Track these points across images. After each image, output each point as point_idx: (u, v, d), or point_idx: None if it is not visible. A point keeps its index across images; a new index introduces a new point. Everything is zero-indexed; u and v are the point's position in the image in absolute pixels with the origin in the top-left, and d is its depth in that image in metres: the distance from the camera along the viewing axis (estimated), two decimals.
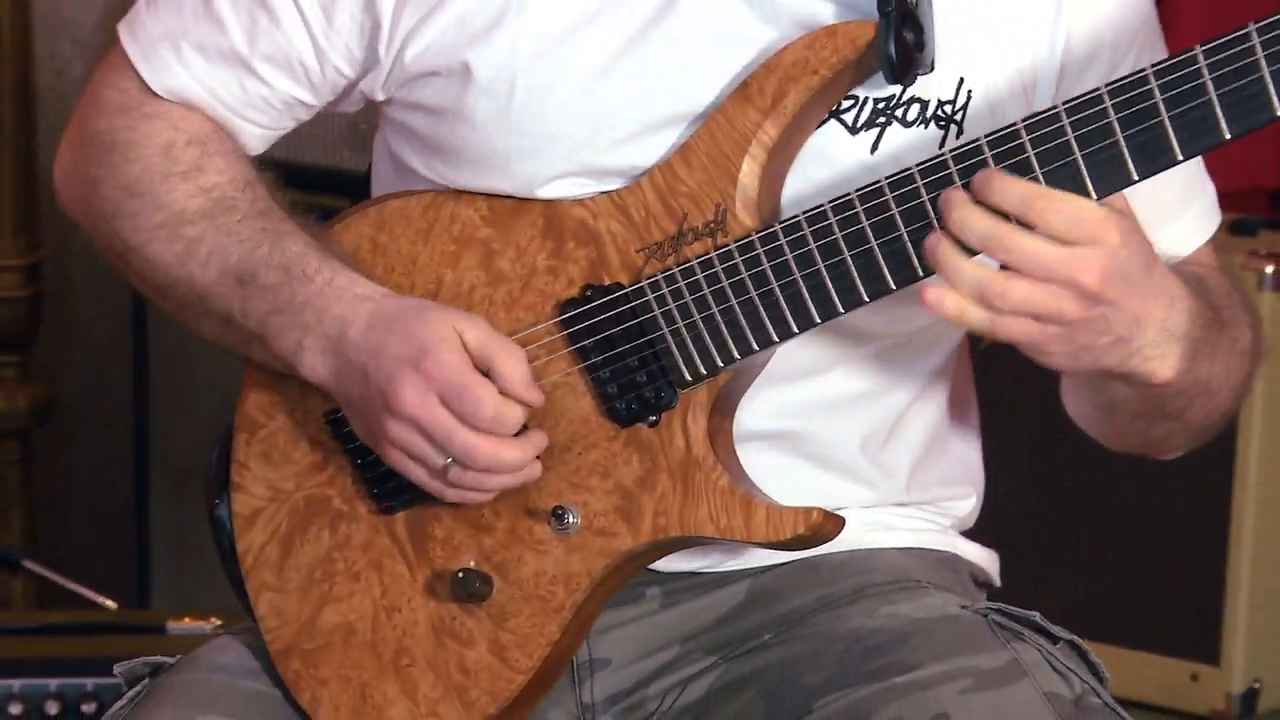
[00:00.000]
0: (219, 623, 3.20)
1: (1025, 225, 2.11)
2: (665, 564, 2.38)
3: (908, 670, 2.27)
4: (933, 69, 2.26)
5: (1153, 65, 2.11)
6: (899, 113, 2.31)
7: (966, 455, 2.50)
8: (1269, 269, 3.31)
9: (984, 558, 2.51)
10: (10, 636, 3.29)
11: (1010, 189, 2.11)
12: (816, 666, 2.32)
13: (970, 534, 2.52)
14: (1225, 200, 3.52)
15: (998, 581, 2.53)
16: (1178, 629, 3.39)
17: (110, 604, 3.48)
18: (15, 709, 3.20)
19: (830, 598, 2.38)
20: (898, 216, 2.19)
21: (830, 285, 2.22)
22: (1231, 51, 2.10)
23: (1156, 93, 2.11)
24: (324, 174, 2.84)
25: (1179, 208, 2.37)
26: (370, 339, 2.28)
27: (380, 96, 2.40)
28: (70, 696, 3.23)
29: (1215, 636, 3.38)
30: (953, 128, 2.30)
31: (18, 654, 3.25)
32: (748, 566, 2.40)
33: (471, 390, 2.24)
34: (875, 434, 2.41)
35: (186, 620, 3.27)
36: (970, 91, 2.31)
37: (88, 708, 3.21)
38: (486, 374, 2.25)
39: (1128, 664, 2.48)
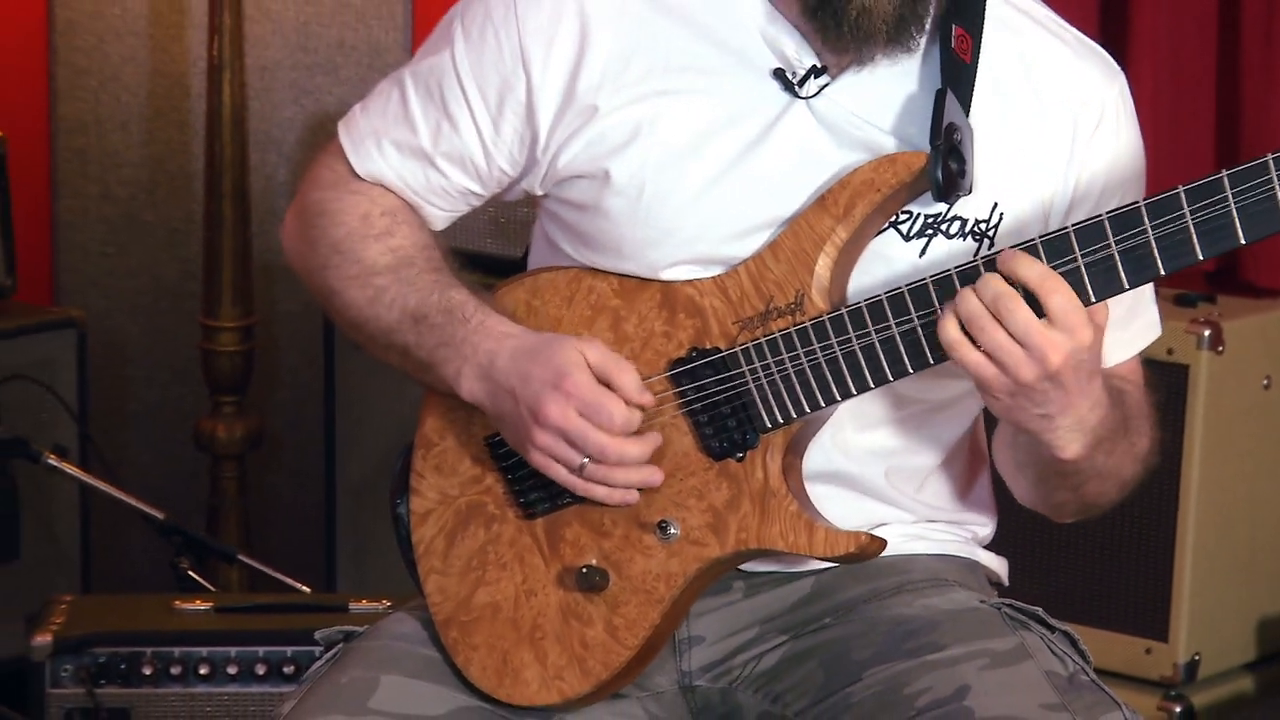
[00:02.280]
0: (389, 604, 3.19)
1: (1031, 302, 2.12)
2: (746, 565, 2.35)
3: (937, 650, 2.26)
4: (971, 192, 2.24)
5: (1144, 199, 2.11)
6: (943, 227, 2.28)
7: (983, 494, 2.46)
8: (1206, 332, 3.31)
9: (996, 563, 2.47)
10: (229, 614, 3.29)
11: (1031, 266, 2.11)
12: (865, 645, 2.30)
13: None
14: (1171, 279, 3.51)
15: (1006, 582, 2.52)
16: (1135, 613, 3.37)
17: (305, 589, 3.46)
18: (232, 670, 3.20)
19: (877, 591, 2.35)
20: (939, 305, 2.18)
21: (882, 358, 2.21)
22: (1210, 195, 2.10)
23: (1146, 220, 2.11)
24: (469, 257, 2.85)
25: (1124, 322, 2.31)
26: (516, 366, 2.25)
27: (538, 192, 2.37)
28: (274, 661, 3.21)
29: (1165, 619, 3.35)
30: (985, 241, 2.27)
31: (235, 627, 3.23)
32: (812, 567, 2.36)
33: (603, 403, 2.22)
34: (913, 477, 2.39)
35: (364, 602, 3.26)
36: (1002, 214, 2.28)
37: (288, 669, 3.18)
38: (606, 385, 2.25)
39: (1096, 640, 2.45)
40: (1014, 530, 2.52)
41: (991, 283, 2.12)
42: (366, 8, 4.07)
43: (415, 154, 2.39)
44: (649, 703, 2.37)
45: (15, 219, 3.77)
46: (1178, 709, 3.30)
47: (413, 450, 2.40)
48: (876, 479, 2.36)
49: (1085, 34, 2.41)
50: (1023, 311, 2.11)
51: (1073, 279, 2.13)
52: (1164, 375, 3.29)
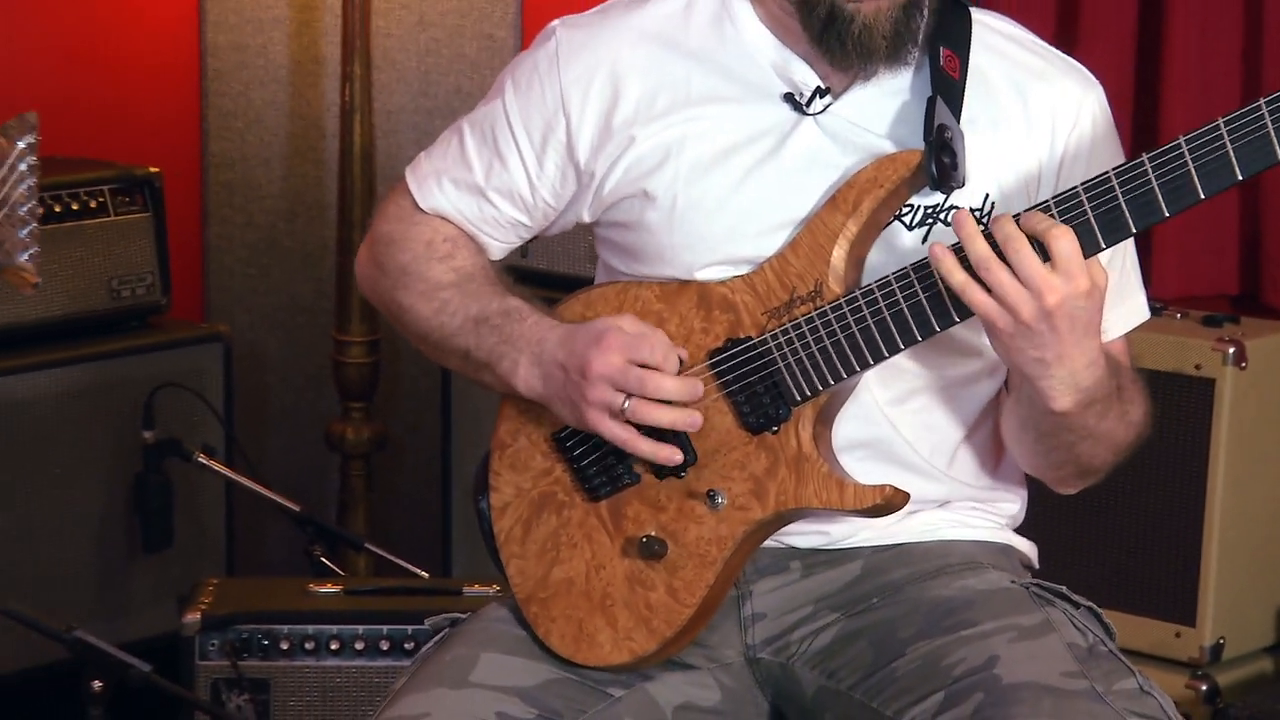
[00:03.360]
0: (498, 588, 3.21)
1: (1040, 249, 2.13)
2: (801, 540, 2.37)
3: (971, 625, 2.27)
4: (964, 185, 2.26)
5: (1147, 153, 2.12)
6: (942, 216, 2.30)
7: (1011, 470, 2.44)
8: (1230, 350, 3.29)
9: (1027, 547, 2.47)
10: (357, 596, 3.30)
11: (1041, 219, 2.12)
12: (908, 624, 2.31)
13: (1018, 529, 2.52)
14: (1199, 302, 3.51)
15: (1037, 564, 2.51)
16: (1166, 601, 3.35)
17: (423, 574, 3.48)
18: (359, 645, 3.21)
19: (920, 574, 2.36)
20: (939, 282, 2.19)
21: (894, 330, 2.22)
22: (1208, 137, 2.09)
23: (1149, 168, 2.11)
24: (572, 280, 2.86)
25: (1114, 303, 2.30)
26: (561, 346, 2.28)
27: (588, 219, 2.40)
28: (396, 638, 3.23)
29: (1192, 606, 3.33)
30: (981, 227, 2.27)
31: (361, 608, 3.24)
32: (861, 546, 2.37)
33: (639, 343, 2.25)
34: (941, 448, 2.40)
35: (476, 586, 3.27)
36: (994, 203, 2.31)
37: (408, 645, 3.20)
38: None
39: (1130, 625, 2.46)
40: (1061, 528, 2.52)
41: (1005, 225, 2.12)
42: (479, 59, 4.09)
43: (470, 189, 2.41)
44: (719, 673, 2.38)
45: (170, 244, 3.78)
46: (1204, 687, 3.28)
47: (489, 453, 2.42)
48: (906, 447, 2.36)
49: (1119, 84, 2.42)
50: (1027, 252, 2.11)
51: (1083, 230, 2.12)
52: (1192, 388, 3.28)
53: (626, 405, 2.24)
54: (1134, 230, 2.13)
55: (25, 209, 2.03)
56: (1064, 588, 2.35)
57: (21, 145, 2.04)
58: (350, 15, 3.84)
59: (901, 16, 2.25)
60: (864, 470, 2.30)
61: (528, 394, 2.33)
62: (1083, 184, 2.14)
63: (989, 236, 2.14)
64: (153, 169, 3.76)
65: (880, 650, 2.31)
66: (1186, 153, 2.09)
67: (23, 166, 2.04)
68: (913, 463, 2.37)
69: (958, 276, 2.15)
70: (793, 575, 2.39)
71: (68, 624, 3.02)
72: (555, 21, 2.41)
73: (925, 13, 2.29)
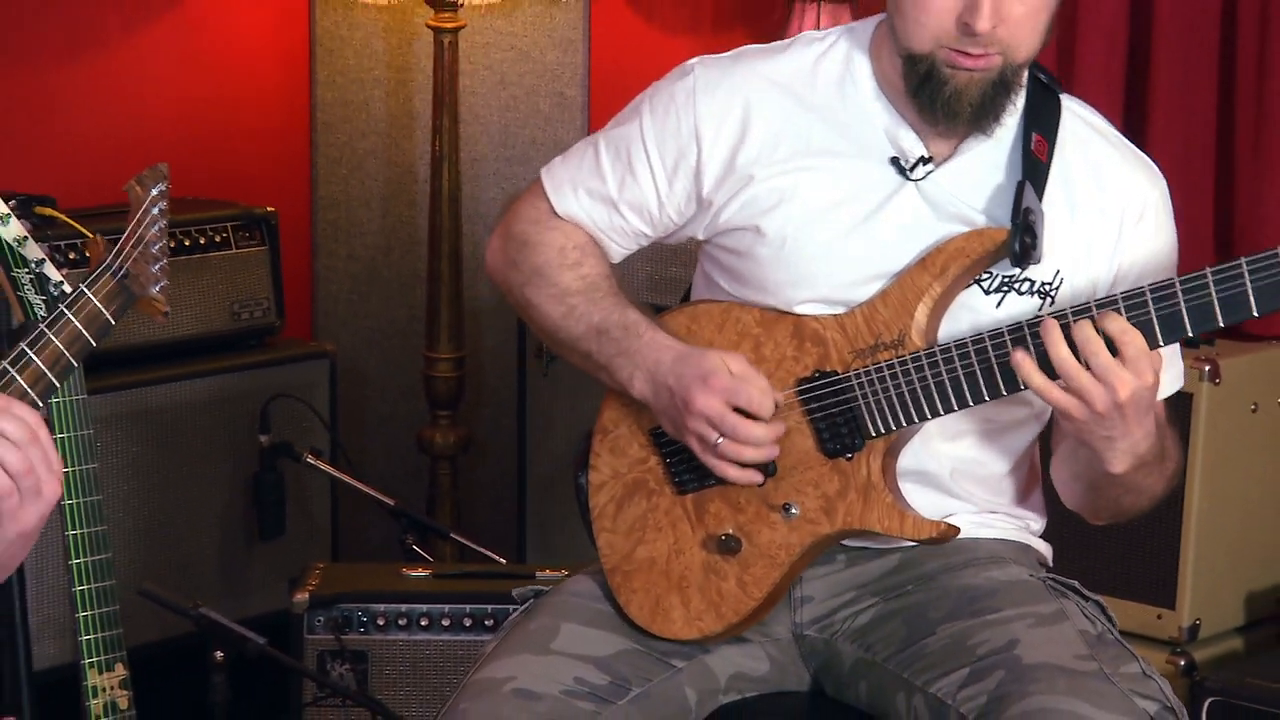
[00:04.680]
0: (566, 571, 3.20)
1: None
2: (847, 541, 2.36)
3: (995, 611, 2.27)
4: (1040, 262, 2.25)
5: (1210, 267, 2.11)
6: (1016, 285, 2.29)
7: (1037, 500, 2.46)
8: (1207, 368, 3.27)
9: (1044, 547, 2.47)
10: (444, 579, 3.29)
11: (1116, 320, 2.12)
12: (939, 607, 2.31)
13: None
14: None
15: (1051, 563, 2.49)
16: (1150, 587, 3.33)
17: (501, 560, 3.48)
18: (445, 622, 3.20)
19: (950, 565, 2.36)
20: (1011, 348, 2.18)
21: (965, 387, 2.21)
22: (1229, 272, 2.09)
23: (1210, 282, 2.11)
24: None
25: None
26: (674, 369, 2.26)
27: (701, 237, 2.39)
28: (478, 616, 3.21)
29: (1172, 592, 3.30)
30: (1048, 299, 2.29)
31: (448, 589, 3.23)
32: (899, 545, 2.37)
33: (740, 388, 2.23)
34: (983, 482, 2.39)
35: (547, 570, 3.24)
36: (1062, 279, 2.29)
37: (488, 622, 3.17)
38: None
39: (1118, 607, 2.43)
40: (1056, 522, 2.49)
41: (1084, 329, 2.12)
42: (552, 114, 4.09)
43: (603, 200, 2.38)
44: (769, 646, 2.39)
45: (283, 274, 3.79)
46: (1182, 663, 3.26)
47: (592, 436, 2.40)
48: (953, 480, 2.36)
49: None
50: (1105, 354, 2.11)
51: (1146, 328, 2.12)
52: (1173, 401, 3.24)
53: (719, 442, 2.23)
54: (1190, 334, 2.13)
55: (157, 247, 2.04)
56: (1076, 583, 2.35)
57: (154, 192, 2.05)
58: (440, 76, 3.84)
59: (990, 91, 2.22)
60: (910, 495, 2.30)
61: (638, 399, 2.32)
62: (1150, 285, 2.13)
63: (1065, 328, 2.13)
64: (269, 209, 3.77)
65: (913, 629, 2.30)
66: (1246, 273, 2.08)
67: (155, 211, 2.04)
68: (955, 493, 2.37)
69: (1037, 380, 2.14)
70: (838, 566, 2.39)
71: (195, 602, 3.03)
72: (694, 60, 2.37)
73: (1016, 93, 2.26)
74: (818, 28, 3.63)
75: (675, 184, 2.35)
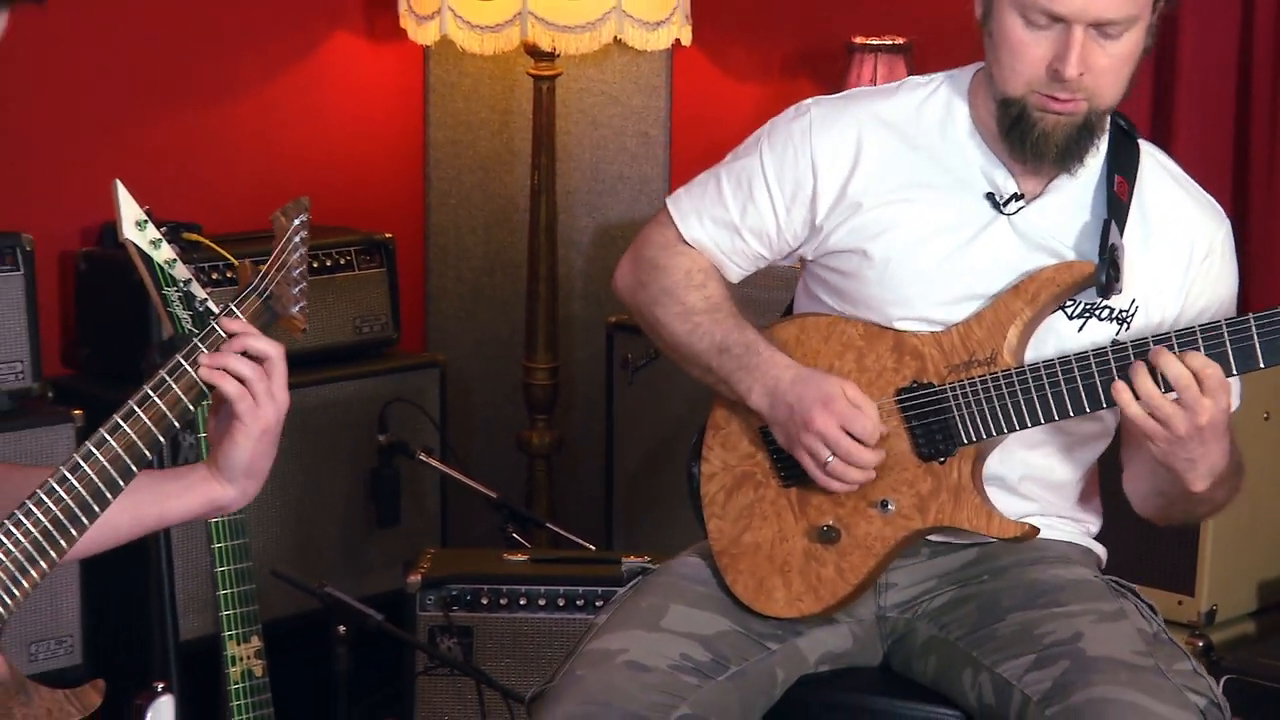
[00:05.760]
0: (649, 558, 3.19)
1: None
2: (932, 536, 2.35)
3: (1061, 605, 2.27)
4: (1120, 292, 2.25)
5: (1252, 314, 2.14)
6: (1098, 312, 2.28)
7: (1095, 504, 2.46)
8: None
9: (1101, 551, 2.46)
10: (540, 563, 3.28)
11: (1198, 356, 2.13)
12: (1010, 597, 2.31)
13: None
14: None
15: (1105, 564, 2.46)
16: (1173, 575, 3.29)
17: (591, 547, 3.47)
18: (541, 601, 3.20)
19: (1022, 560, 2.35)
20: (1095, 371, 2.19)
21: (1051, 403, 2.21)
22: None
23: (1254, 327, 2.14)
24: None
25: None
26: (794, 389, 2.26)
27: (810, 257, 2.38)
28: (570, 597, 3.21)
29: (1192, 580, 3.27)
30: (1124, 325, 2.28)
31: (544, 572, 3.23)
32: (978, 541, 2.36)
33: (857, 416, 2.23)
34: (1051, 488, 2.39)
35: (631, 557, 3.24)
36: (1138, 308, 2.29)
37: (579, 602, 3.18)
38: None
39: (1144, 594, 2.42)
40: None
41: (1172, 366, 2.12)
42: (638, 152, 4.09)
43: (726, 226, 2.38)
44: (854, 626, 2.38)
45: (400, 293, 3.79)
46: (1200, 644, 3.23)
47: (705, 430, 2.39)
48: (1020, 484, 2.35)
49: None
50: (1194, 389, 2.12)
51: (1220, 358, 2.13)
52: None
53: (829, 461, 2.23)
54: (1262, 365, 2.13)
55: (297, 272, 2.06)
56: (1135, 586, 2.35)
57: (296, 222, 2.07)
58: (539, 118, 3.85)
59: (1074, 134, 2.22)
60: (993, 494, 2.29)
61: (754, 410, 2.31)
62: (1226, 320, 2.15)
63: (1147, 361, 2.13)
64: (388, 235, 3.78)
65: (984, 613, 2.29)
66: None
67: (296, 239, 2.06)
68: (1022, 494, 2.36)
69: (1133, 409, 2.14)
70: (921, 558, 2.38)
71: (320, 582, 3.06)
72: (809, 100, 2.37)
73: (1099, 137, 2.26)
74: (875, 77, 3.62)
75: (793, 211, 2.34)
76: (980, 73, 2.30)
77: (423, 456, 3.59)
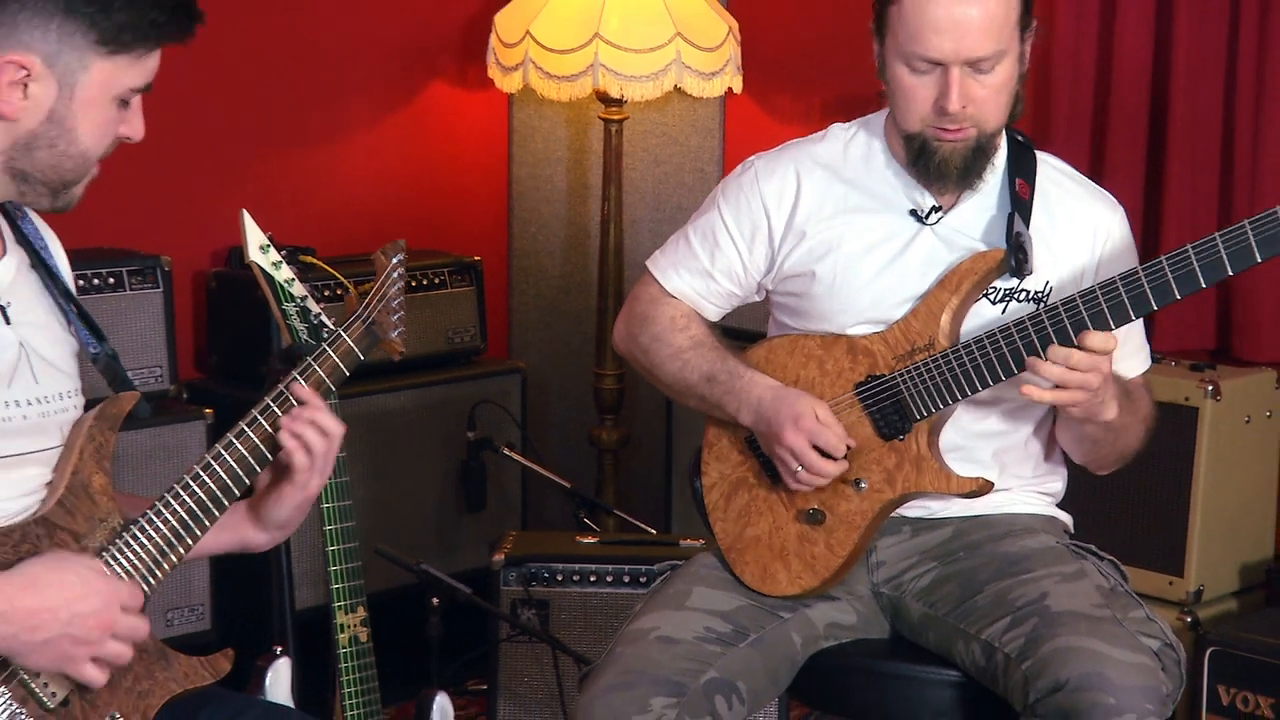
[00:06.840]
0: (702, 541, 3.21)
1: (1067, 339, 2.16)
2: (912, 512, 2.36)
3: (1029, 572, 2.28)
4: (1032, 274, 2.28)
5: (1140, 266, 2.15)
6: (1017, 296, 2.31)
7: (1056, 458, 2.44)
8: (1210, 386, 3.23)
9: (1067, 518, 2.47)
10: (609, 545, 3.28)
11: (1095, 335, 2.16)
12: (985, 570, 2.32)
13: (1061, 505, 2.48)
14: (1188, 354, 3.43)
15: (1073, 530, 2.48)
16: (1164, 558, 3.29)
17: (653, 531, 3.49)
18: (609, 579, 3.20)
19: (994, 536, 2.36)
20: (1017, 340, 2.20)
21: (984, 372, 2.23)
22: (1153, 269, 2.14)
23: (1143, 276, 2.15)
24: (746, 333, 2.88)
25: (1133, 353, 2.37)
26: (773, 405, 2.29)
27: (770, 287, 2.41)
28: (634, 575, 3.20)
29: (1181, 562, 3.27)
30: (1040, 303, 2.30)
31: (612, 553, 3.23)
32: (952, 516, 2.37)
33: (824, 432, 2.26)
34: (1007, 450, 2.39)
35: (688, 540, 3.26)
36: (1051, 288, 2.31)
37: (642, 579, 3.17)
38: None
39: (1137, 575, 2.42)
40: (1092, 506, 2.48)
41: (1061, 353, 2.16)
42: (694, 185, 4.11)
43: (699, 273, 2.41)
44: (854, 602, 2.40)
45: (486, 308, 3.81)
46: (1188, 620, 3.22)
47: (701, 448, 2.43)
48: (983, 452, 2.36)
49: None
50: (1078, 354, 2.15)
51: (1097, 318, 2.15)
52: (1182, 414, 3.22)
53: (798, 470, 2.27)
54: (1132, 318, 2.17)
55: (396, 302, 2.10)
56: (1092, 546, 2.36)
57: (394, 260, 2.11)
58: (609, 156, 3.87)
59: (970, 155, 2.27)
60: (953, 466, 2.31)
61: (745, 426, 2.34)
62: (1098, 284, 2.17)
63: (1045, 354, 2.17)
64: (476, 258, 3.80)
65: (965, 589, 2.32)
66: (1167, 268, 2.13)
67: (395, 275, 2.10)
68: (984, 462, 2.36)
69: (1047, 396, 2.18)
70: (904, 536, 2.40)
71: (417, 560, 3.06)
72: (753, 157, 2.42)
73: (993, 154, 2.30)
74: None
75: (754, 250, 2.37)
76: (889, 114, 2.34)
77: (506, 451, 3.61)
